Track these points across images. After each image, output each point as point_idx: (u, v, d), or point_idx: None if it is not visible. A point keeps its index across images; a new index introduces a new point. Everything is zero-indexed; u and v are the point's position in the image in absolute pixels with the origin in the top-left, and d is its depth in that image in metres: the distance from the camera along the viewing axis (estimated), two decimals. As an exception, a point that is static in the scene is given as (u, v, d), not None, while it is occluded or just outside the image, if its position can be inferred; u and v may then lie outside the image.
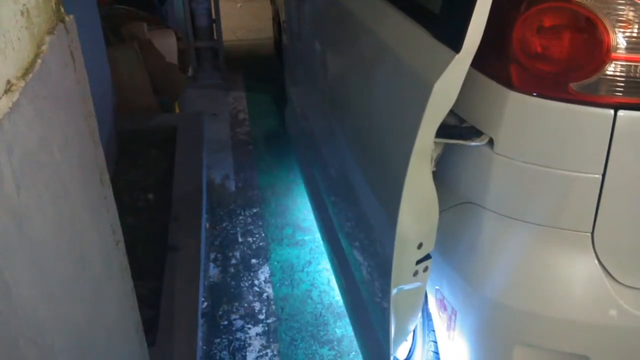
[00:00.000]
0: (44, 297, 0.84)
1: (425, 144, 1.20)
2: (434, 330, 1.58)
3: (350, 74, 1.75)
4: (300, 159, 2.97)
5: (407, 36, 1.32)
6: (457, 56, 1.06)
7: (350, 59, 1.76)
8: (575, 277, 1.23)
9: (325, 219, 2.41)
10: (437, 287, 1.48)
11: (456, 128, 1.29)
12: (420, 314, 1.56)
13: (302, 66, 2.61)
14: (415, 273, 1.40)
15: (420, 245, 1.36)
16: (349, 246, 1.98)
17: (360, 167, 1.67)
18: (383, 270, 1.45)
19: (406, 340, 1.73)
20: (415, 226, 1.34)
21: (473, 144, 1.25)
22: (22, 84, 0.79)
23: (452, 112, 1.26)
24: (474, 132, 1.26)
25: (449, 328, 1.44)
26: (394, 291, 1.41)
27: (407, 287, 1.42)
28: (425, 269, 1.41)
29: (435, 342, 1.59)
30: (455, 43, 1.07)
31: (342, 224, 2.06)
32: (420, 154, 1.21)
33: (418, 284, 1.42)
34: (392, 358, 1.59)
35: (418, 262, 1.39)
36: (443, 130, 1.22)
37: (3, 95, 0.75)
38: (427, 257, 1.39)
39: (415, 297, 1.47)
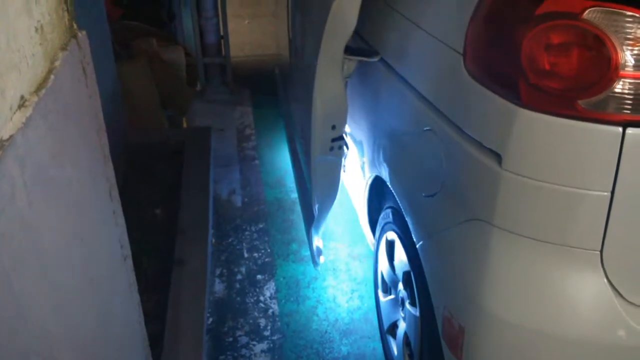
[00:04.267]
0: (53, 310, 0.85)
1: (332, 53, 1.68)
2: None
3: (300, 12, 2.31)
4: (280, 94, 3.84)
5: None
6: None
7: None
8: (584, 295, 1.22)
9: (288, 123, 3.24)
10: (444, 305, 1.47)
11: (363, 50, 1.85)
12: (338, 191, 2.05)
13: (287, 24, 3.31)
14: (332, 148, 1.88)
15: (333, 127, 1.83)
16: (298, 130, 2.49)
17: (304, 73, 2.09)
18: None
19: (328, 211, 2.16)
20: (328, 111, 1.80)
21: (370, 59, 1.79)
22: (35, 99, 0.80)
23: (365, 41, 1.90)
24: (374, 53, 1.80)
25: (456, 346, 1.43)
26: (316, 160, 1.88)
27: (326, 158, 1.89)
28: (340, 147, 1.91)
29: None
30: None
31: (295, 115, 2.68)
32: (329, 60, 1.69)
33: (334, 158, 1.91)
34: (314, 212, 2.09)
35: (334, 140, 1.86)
36: (353, 51, 1.74)
37: (17, 110, 0.76)
38: (340, 138, 1.89)
39: (333, 169, 1.96)
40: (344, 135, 1.91)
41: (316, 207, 2.08)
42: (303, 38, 2.26)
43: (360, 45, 1.93)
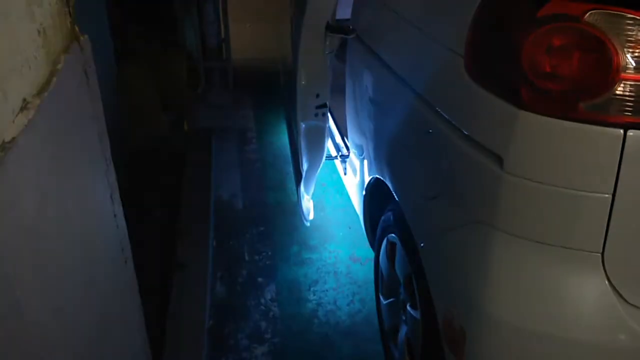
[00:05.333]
0: (53, 313, 0.85)
1: (314, 29, 1.92)
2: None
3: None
4: (282, 85, 4.08)
5: None
6: None
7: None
8: (586, 297, 1.22)
9: (287, 106, 3.46)
10: (446, 307, 1.47)
11: (342, 28, 2.04)
12: (324, 154, 2.28)
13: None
14: (316, 115, 2.09)
15: (317, 95, 2.05)
16: (291, 106, 2.59)
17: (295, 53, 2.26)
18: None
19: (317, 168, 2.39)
20: (311, 82, 2.03)
21: (349, 37, 2.00)
22: (37, 102, 0.80)
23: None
24: (353, 31, 1.98)
25: (458, 349, 1.43)
26: (302, 125, 2.11)
27: (311, 123, 2.12)
28: (323, 114, 2.12)
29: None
30: None
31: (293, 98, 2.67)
32: (311, 36, 1.93)
33: (319, 123, 2.12)
34: (302, 172, 2.29)
35: (318, 107, 2.07)
36: (334, 29, 1.96)
37: (19, 112, 0.76)
38: (324, 105, 2.10)
39: (318, 134, 2.19)
40: (327, 103, 2.15)
41: (305, 168, 2.29)
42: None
43: (340, 24, 2.15)
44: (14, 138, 0.72)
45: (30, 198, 0.76)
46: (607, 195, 1.13)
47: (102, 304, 1.11)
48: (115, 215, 1.24)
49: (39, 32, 0.86)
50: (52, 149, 0.86)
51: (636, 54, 1.06)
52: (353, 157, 2.40)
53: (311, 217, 2.58)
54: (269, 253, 2.84)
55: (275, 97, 4.57)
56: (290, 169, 3.61)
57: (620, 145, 1.09)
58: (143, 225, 2.70)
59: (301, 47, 1.98)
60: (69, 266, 0.92)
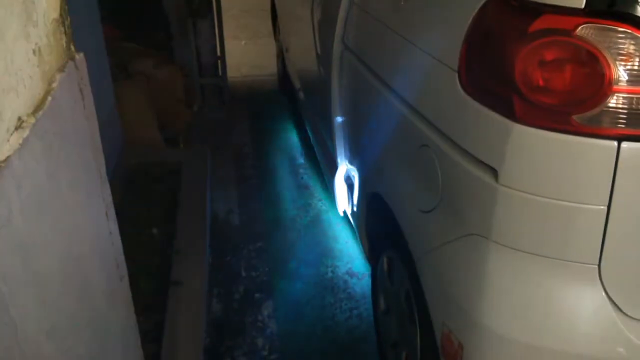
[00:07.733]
0: (48, 332, 0.84)
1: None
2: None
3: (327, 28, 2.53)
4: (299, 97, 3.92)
5: None
6: None
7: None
8: (583, 310, 1.22)
9: (307, 116, 3.49)
10: (443, 321, 1.46)
11: None
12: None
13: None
14: None
15: None
16: (318, 113, 2.87)
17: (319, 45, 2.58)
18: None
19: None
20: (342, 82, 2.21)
21: None
22: (32, 120, 0.81)
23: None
24: None
25: (456, 363, 1.42)
26: (338, 120, 2.34)
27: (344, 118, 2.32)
28: None
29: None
30: None
31: (317, 106, 2.98)
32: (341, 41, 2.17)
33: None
34: (337, 162, 2.44)
35: None
36: None
37: (14, 131, 0.76)
38: None
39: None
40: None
41: (340, 159, 2.48)
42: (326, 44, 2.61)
43: None
44: (8, 157, 0.72)
45: (24, 217, 0.76)
46: (602, 207, 1.14)
47: (97, 322, 1.10)
48: (110, 233, 1.23)
49: (34, 51, 0.87)
50: (47, 167, 0.86)
51: (628, 67, 1.07)
52: (350, 173, 2.40)
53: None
54: (266, 269, 2.83)
55: (271, 112, 4.58)
56: (287, 183, 3.62)
57: (615, 157, 1.10)
58: (139, 243, 2.69)
59: (334, 52, 2.23)
60: (63, 284, 0.92)
